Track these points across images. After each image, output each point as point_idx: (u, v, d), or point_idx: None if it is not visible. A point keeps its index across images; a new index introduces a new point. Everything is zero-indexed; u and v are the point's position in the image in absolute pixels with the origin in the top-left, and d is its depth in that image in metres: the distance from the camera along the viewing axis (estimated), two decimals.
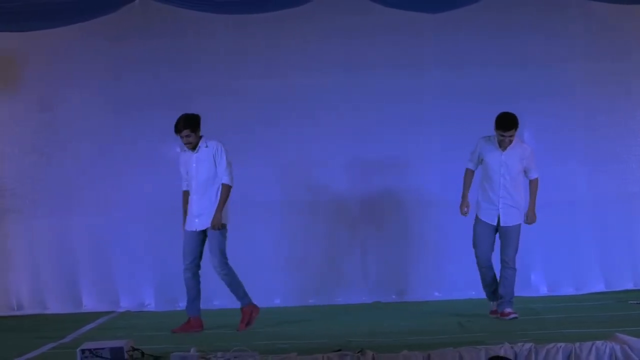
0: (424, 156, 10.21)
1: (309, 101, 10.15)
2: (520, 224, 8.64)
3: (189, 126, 8.35)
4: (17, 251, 10.24)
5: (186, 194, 8.56)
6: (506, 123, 8.41)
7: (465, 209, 8.63)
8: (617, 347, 6.47)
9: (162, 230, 10.07)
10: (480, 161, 8.63)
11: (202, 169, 8.38)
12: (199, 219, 8.39)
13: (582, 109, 10.28)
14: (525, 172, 8.60)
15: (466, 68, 10.07)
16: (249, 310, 8.45)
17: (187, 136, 8.36)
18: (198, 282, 8.50)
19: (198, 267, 8.47)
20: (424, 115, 10.20)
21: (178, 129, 8.38)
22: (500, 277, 8.61)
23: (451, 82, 10.07)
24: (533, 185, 8.62)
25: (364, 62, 10.17)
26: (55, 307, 10.18)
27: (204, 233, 8.42)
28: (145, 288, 10.21)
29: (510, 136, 8.44)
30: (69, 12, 9.12)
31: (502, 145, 8.49)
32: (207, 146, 8.41)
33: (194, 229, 8.42)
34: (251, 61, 10.15)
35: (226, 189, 8.37)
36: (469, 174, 8.70)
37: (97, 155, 10.24)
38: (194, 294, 8.49)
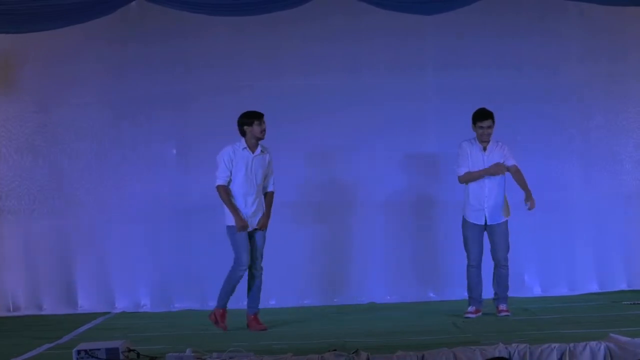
0: (421, 157, 10.24)
1: (308, 102, 10.16)
2: (506, 221, 8.75)
3: (263, 115, 8.50)
4: (13, 252, 10.24)
5: (227, 188, 8.46)
6: (482, 112, 8.63)
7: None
8: (611, 348, 6.49)
9: (158, 231, 10.10)
10: None
11: (260, 172, 8.50)
12: (254, 219, 8.48)
13: (579, 109, 10.32)
14: (504, 164, 8.69)
15: (464, 70, 10.10)
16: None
17: (264, 122, 8.47)
18: None
19: None
20: (422, 116, 10.24)
21: (256, 116, 8.45)
22: (494, 275, 8.80)
23: (450, 84, 10.09)
24: (516, 173, 8.66)
25: (363, 63, 10.20)
26: (51, 308, 10.18)
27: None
28: (141, 289, 10.21)
29: (488, 127, 8.60)
30: (66, 13, 9.12)
31: (482, 138, 8.63)
32: (268, 152, 8.57)
33: (250, 229, 8.52)
34: (250, 62, 10.17)
35: (273, 196, 8.63)
36: (468, 172, 8.68)
37: (94, 156, 10.26)
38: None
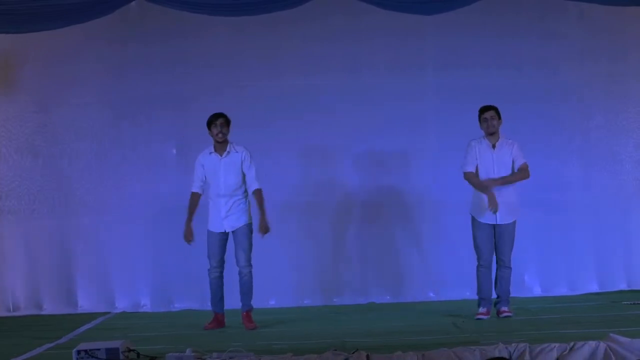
0: (421, 157, 10.24)
1: (308, 102, 10.16)
2: (515, 221, 8.64)
3: (223, 117, 8.49)
4: (13, 252, 10.25)
5: (196, 196, 8.62)
6: (485, 105, 8.58)
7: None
8: (611, 347, 6.48)
9: (158, 231, 10.10)
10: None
11: (231, 173, 8.50)
12: (227, 220, 8.52)
13: (579, 109, 10.33)
14: (514, 163, 8.58)
15: (464, 70, 10.10)
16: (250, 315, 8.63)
17: (221, 125, 8.45)
18: (223, 282, 8.64)
19: (223, 267, 8.62)
20: (422, 116, 10.24)
21: (213, 118, 8.48)
22: (497, 276, 8.69)
23: (450, 84, 10.09)
24: (521, 171, 8.54)
25: (363, 63, 10.21)
26: (51, 308, 10.19)
27: (227, 233, 8.56)
28: (141, 289, 10.22)
29: (492, 117, 8.52)
30: (66, 13, 9.13)
31: (488, 131, 8.53)
32: (236, 151, 8.54)
33: (222, 231, 8.54)
34: (250, 62, 10.17)
35: (261, 193, 8.55)
36: (473, 175, 8.59)
37: (94, 156, 10.27)
38: (221, 293, 8.63)
